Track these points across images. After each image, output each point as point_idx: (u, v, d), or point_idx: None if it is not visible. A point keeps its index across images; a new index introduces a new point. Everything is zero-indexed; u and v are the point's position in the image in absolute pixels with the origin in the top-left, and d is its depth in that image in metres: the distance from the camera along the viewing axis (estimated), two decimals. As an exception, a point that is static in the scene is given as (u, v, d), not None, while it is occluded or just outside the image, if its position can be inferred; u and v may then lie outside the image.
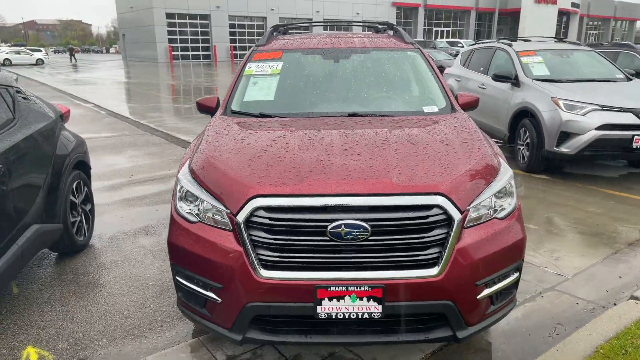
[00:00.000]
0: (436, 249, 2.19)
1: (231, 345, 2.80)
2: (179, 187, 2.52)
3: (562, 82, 6.51)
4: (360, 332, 2.27)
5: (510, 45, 7.48)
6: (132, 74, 28.64)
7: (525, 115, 6.53)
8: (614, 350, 2.60)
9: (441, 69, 11.28)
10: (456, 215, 2.19)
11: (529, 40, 8.18)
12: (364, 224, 2.13)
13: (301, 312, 2.21)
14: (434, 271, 2.17)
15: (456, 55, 11.29)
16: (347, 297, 2.15)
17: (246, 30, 45.01)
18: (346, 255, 2.17)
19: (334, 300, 2.15)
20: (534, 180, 6.23)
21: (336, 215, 2.15)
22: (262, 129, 2.94)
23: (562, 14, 50.98)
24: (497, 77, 7.04)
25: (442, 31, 53.89)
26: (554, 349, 2.66)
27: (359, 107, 3.33)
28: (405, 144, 2.58)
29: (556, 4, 47.14)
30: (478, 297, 2.29)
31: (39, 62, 41.12)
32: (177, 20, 41.92)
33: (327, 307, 2.16)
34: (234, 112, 3.32)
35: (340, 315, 2.17)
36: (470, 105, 3.54)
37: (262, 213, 2.19)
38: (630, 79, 6.86)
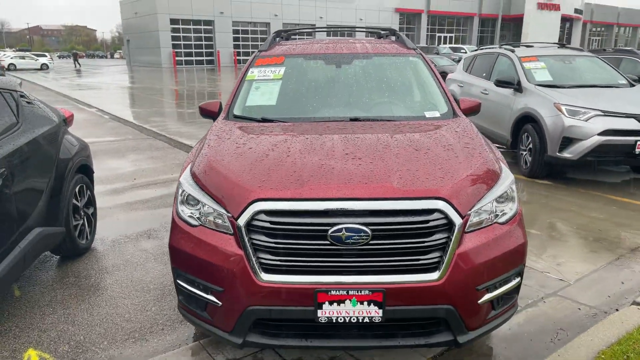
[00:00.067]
0: (437, 254, 2.19)
1: (232, 348, 2.80)
2: (180, 191, 2.53)
3: (564, 87, 6.51)
4: (361, 336, 2.27)
5: (513, 51, 7.48)
6: (136, 79, 28.77)
7: (527, 121, 6.53)
8: (615, 355, 2.59)
9: (444, 74, 11.28)
10: (457, 220, 2.19)
11: (532, 46, 8.18)
12: (364, 228, 2.13)
13: (302, 316, 2.21)
14: (434, 275, 2.17)
15: (459, 61, 11.30)
16: (347, 301, 2.15)
17: (250, 35, 45.18)
18: (347, 259, 2.17)
19: (335, 304, 2.15)
20: (536, 186, 6.22)
21: (337, 219, 2.15)
22: (263, 133, 2.95)
23: (565, 20, 51.02)
24: (500, 83, 7.06)
25: (445, 37, 53.95)
26: (556, 354, 2.65)
27: (361, 112, 3.34)
28: (407, 149, 2.59)
29: (559, 10, 47.19)
30: (479, 301, 2.28)
31: (44, 67, 41.31)
32: (181, 26, 42.12)
33: (327, 311, 2.16)
34: (236, 117, 3.34)
35: (340, 319, 2.17)
36: (472, 111, 3.55)
37: (263, 217, 2.20)
38: (633, 85, 6.86)
